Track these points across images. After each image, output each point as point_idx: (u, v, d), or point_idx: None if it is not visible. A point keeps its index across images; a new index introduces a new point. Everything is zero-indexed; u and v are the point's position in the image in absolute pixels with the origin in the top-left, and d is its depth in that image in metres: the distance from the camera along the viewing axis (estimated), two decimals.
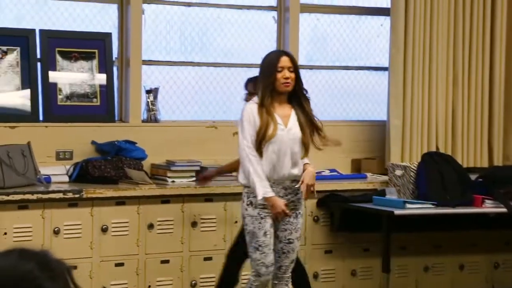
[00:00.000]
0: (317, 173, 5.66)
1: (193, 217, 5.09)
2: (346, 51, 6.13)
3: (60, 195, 4.72)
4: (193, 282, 5.08)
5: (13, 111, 5.07)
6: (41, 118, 5.17)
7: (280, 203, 4.25)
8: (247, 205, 4.29)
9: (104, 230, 4.85)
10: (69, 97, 5.26)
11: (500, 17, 6.10)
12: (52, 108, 5.18)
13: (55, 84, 5.22)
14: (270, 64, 4.34)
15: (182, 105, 5.65)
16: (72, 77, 5.28)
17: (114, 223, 4.88)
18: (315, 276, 5.43)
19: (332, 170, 5.78)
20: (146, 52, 5.50)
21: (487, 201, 5.39)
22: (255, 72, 5.81)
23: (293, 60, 4.36)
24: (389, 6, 5.93)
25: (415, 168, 5.49)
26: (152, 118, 5.44)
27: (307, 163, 4.38)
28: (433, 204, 5.29)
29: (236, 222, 5.20)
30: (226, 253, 4.92)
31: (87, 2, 5.36)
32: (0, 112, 5.03)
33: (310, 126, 4.37)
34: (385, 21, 6.07)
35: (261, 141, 4.26)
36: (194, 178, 5.27)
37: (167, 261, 5.01)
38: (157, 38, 5.57)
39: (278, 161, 4.29)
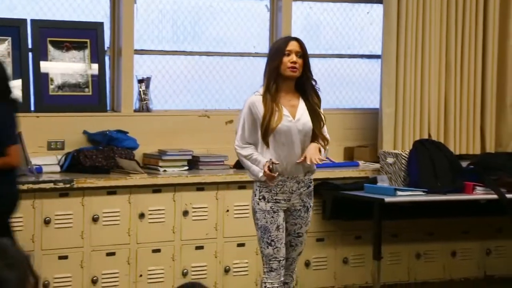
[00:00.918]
0: None
1: (185, 206, 5.12)
2: (339, 39, 6.13)
3: (51, 185, 4.75)
4: (184, 271, 5.12)
5: None
6: (32, 108, 5.19)
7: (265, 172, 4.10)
8: (259, 199, 4.17)
9: (95, 219, 4.88)
10: (60, 87, 5.28)
11: (493, 3, 6.09)
12: (44, 98, 5.21)
13: (46, 74, 5.24)
14: (278, 48, 4.17)
15: (174, 94, 5.67)
16: (64, 67, 5.29)
17: (105, 212, 4.91)
18: (307, 264, 5.46)
19: None
20: (138, 41, 5.50)
21: (478, 187, 5.40)
22: (247, 61, 5.87)
23: (302, 46, 4.16)
24: None
25: (406, 156, 5.51)
26: (144, 107, 5.46)
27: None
28: (424, 191, 5.31)
29: (227, 210, 5.23)
30: None
31: None
32: None
33: (318, 118, 4.18)
34: (372, 8, 6.06)
35: (266, 131, 4.09)
36: (186, 167, 5.29)
37: (158, 250, 5.04)
38: (149, 28, 5.58)
39: (289, 154, 4.11)
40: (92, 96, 5.34)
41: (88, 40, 5.35)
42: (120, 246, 4.94)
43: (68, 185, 4.78)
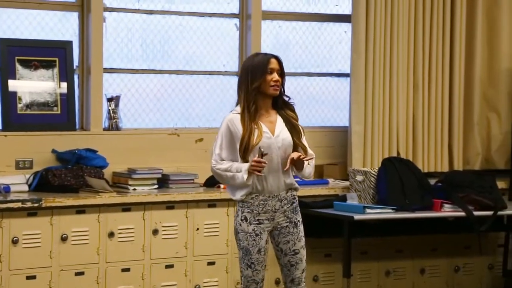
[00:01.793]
0: None
1: (154, 224, 5.11)
2: (309, 58, 6.18)
3: (19, 204, 4.71)
4: None
5: None
6: (0, 127, 5.15)
7: (253, 163, 3.96)
8: (241, 220, 4.08)
9: (64, 239, 4.85)
10: (29, 105, 5.26)
11: (459, 23, 6.17)
12: (12, 117, 5.17)
13: (14, 93, 5.21)
14: (259, 65, 4.03)
15: (144, 113, 5.67)
16: (32, 86, 5.27)
17: (74, 231, 4.88)
18: (277, 282, 5.46)
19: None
20: (107, 60, 5.50)
21: (446, 205, 5.46)
22: (217, 79, 5.89)
23: (281, 64, 4.09)
24: (350, 13, 5.98)
25: (375, 174, 5.55)
26: (113, 126, 5.44)
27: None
28: (392, 209, 5.36)
29: (197, 229, 5.22)
30: None
31: (47, 10, 5.36)
32: None
33: (296, 129, 4.11)
34: (348, 28, 6.12)
35: (245, 150, 4.00)
36: (156, 186, 5.28)
37: (127, 269, 5.01)
38: (118, 46, 5.58)
39: (270, 171, 4.02)
40: (61, 115, 5.32)
41: (56, 59, 5.34)
42: (89, 266, 4.91)
43: (36, 204, 4.75)
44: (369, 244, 5.67)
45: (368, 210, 5.26)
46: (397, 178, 5.53)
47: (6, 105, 5.17)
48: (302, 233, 4.18)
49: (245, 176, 4.00)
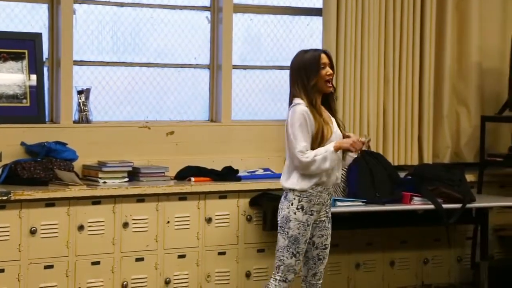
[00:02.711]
0: (250, 172, 5.75)
1: (125, 217, 5.09)
2: (280, 51, 6.18)
3: None
4: (124, 283, 5.08)
5: None
6: None
7: (349, 139, 4.16)
8: (297, 209, 4.18)
9: (33, 232, 4.82)
10: None
11: (430, 17, 6.21)
12: None
13: None
14: (312, 62, 4.16)
15: (115, 106, 5.64)
16: (1, 78, 5.23)
17: (44, 225, 4.85)
18: (248, 275, 5.47)
19: (265, 169, 5.83)
20: (77, 52, 5.47)
21: (415, 198, 5.50)
22: (188, 72, 5.88)
23: (331, 58, 4.25)
24: (321, 6, 6.00)
25: (345, 167, 5.57)
26: (83, 119, 5.42)
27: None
28: (363, 202, 5.39)
29: (168, 222, 5.22)
30: None
31: (17, 1, 5.31)
32: None
33: (339, 125, 4.29)
34: (312, 21, 6.14)
35: (319, 144, 4.13)
36: (126, 179, 5.27)
37: (98, 263, 5.00)
38: (88, 38, 5.55)
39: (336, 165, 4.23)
40: (31, 107, 5.28)
41: (26, 51, 5.30)
42: (58, 259, 4.88)
43: (5, 197, 4.71)
44: (340, 237, 5.70)
45: (338, 203, 5.29)
46: (368, 171, 5.56)
47: None
48: (331, 230, 4.33)
49: (333, 151, 4.08)
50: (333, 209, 5.18)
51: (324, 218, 4.30)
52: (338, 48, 5.93)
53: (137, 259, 5.12)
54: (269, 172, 5.80)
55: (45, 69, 5.37)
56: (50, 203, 4.87)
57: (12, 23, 5.32)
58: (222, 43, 5.80)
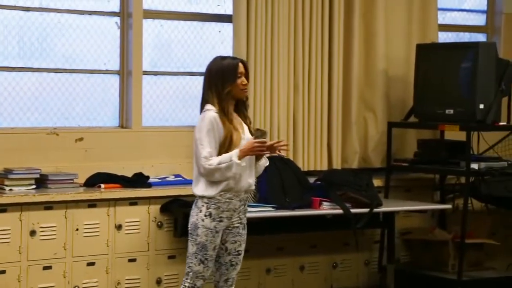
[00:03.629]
0: (161, 178, 5.73)
1: (32, 225, 5.00)
2: (191, 57, 6.18)
3: None
4: None
5: None
6: None
7: (248, 144, 4.20)
8: (205, 216, 4.20)
9: None
10: None
11: (337, 25, 6.32)
12: None
13: None
14: (229, 69, 4.23)
15: (21, 112, 5.53)
16: None
17: None
18: (158, 282, 5.45)
19: (176, 176, 5.82)
20: None
21: (324, 203, 5.58)
22: (97, 78, 5.81)
23: (247, 69, 4.33)
24: (231, 13, 6.03)
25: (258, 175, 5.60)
26: None
27: None
28: (273, 207, 5.45)
29: (77, 229, 5.15)
30: None
31: None
32: None
33: (251, 131, 4.37)
34: (223, 27, 6.17)
35: (227, 150, 4.18)
36: (33, 186, 5.17)
37: (3, 272, 4.90)
38: None
39: (243, 172, 4.25)
40: None
41: None
42: None
43: None
44: (250, 242, 5.67)
45: (249, 209, 5.30)
46: (278, 176, 5.62)
47: None
48: (245, 236, 4.37)
49: (237, 161, 4.12)
50: None
51: (238, 225, 4.33)
52: (248, 54, 5.97)
53: (45, 268, 5.04)
54: (180, 178, 5.79)
55: None
56: None
57: None
58: (132, 49, 5.77)
